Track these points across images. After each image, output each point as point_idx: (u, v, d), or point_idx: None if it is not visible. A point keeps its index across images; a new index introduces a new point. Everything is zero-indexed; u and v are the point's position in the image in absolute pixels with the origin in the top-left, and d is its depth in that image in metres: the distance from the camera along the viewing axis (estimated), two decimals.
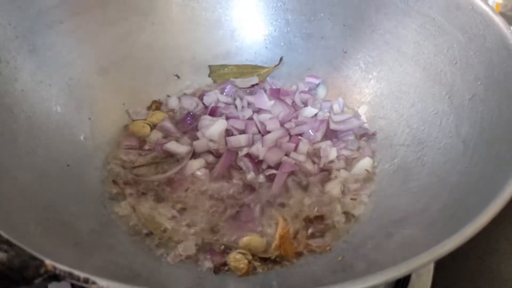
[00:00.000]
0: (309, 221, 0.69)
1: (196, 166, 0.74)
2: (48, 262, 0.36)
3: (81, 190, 0.67)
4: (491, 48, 0.64)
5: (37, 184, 0.60)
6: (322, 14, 0.86)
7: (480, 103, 0.64)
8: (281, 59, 0.89)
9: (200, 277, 0.62)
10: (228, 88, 0.86)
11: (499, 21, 0.64)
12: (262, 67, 0.90)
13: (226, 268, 0.63)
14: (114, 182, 0.71)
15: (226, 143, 0.77)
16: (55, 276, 0.36)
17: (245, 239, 0.65)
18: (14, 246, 0.37)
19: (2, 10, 0.65)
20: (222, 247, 0.65)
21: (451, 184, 0.61)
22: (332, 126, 0.80)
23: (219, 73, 0.90)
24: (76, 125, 0.73)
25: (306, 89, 0.86)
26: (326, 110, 0.83)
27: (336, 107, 0.83)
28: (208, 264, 0.64)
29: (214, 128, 0.77)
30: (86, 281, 0.36)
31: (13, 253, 0.36)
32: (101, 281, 0.36)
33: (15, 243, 0.37)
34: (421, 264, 0.42)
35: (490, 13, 0.65)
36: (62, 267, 0.36)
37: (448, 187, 0.61)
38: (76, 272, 0.36)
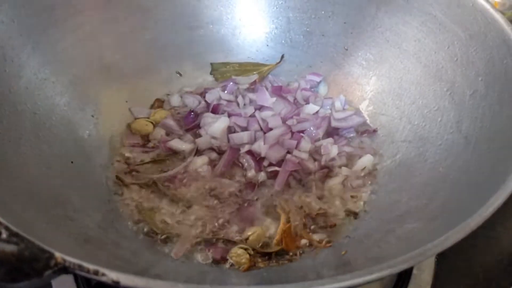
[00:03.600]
0: (310, 217, 0.69)
1: (199, 163, 0.74)
2: (58, 254, 0.37)
3: (86, 186, 0.68)
4: (492, 45, 0.65)
5: (42, 181, 0.61)
6: (323, 12, 0.86)
7: (481, 99, 0.65)
8: (282, 56, 0.90)
9: (203, 271, 0.62)
10: (230, 85, 0.86)
11: (499, 18, 0.65)
12: (263, 65, 0.90)
13: (227, 263, 0.64)
14: (118, 178, 0.71)
15: (228, 140, 0.77)
16: (65, 269, 0.37)
17: (247, 231, 0.66)
18: (24, 239, 0.37)
19: (5, 8, 0.66)
20: (223, 242, 0.66)
21: (453, 179, 0.61)
22: (334, 123, 0.80)
23: (221, 71, 0.90)
24: (80, 123, 0.73)
25: (308, 86, 0.86)
26: (327, 107, 0.83)
27: (337, 105, 0.83)
28: (209, 258, 0.64)
29: (216, 125, 0.77)
30: (96, 273, 0.36)
31: (23, 245, 0.37)
32: (110, 273, 0.36)
33: (25, 237, 0.38)
34: (420, 259, 0.43)
35: (491, 10, 0.66)
36: (71, 260, 0.37)
37: (450, 182, 0.61)
38: (86, 264, 0.37)
